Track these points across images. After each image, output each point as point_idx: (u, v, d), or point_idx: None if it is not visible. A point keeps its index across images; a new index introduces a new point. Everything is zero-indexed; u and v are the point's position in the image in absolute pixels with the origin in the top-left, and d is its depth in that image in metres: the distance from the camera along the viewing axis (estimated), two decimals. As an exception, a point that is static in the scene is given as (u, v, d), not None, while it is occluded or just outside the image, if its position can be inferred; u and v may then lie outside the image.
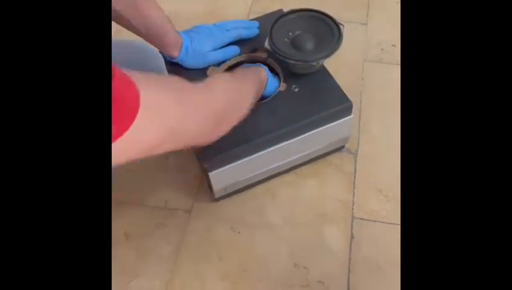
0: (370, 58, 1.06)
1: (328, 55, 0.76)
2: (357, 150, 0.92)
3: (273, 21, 0.80)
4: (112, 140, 0.37)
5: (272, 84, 0.77)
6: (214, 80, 0.63)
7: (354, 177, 0.88)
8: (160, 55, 0.80)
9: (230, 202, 0.85)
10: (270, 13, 0.91)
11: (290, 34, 0.81)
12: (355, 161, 0.90)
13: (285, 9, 0.83)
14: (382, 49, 1.07)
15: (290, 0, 1.14)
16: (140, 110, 0.39)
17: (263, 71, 0.75)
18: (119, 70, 0.38)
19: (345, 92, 0.79)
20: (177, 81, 0.51)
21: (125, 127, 0.38)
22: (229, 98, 0.60)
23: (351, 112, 0.80)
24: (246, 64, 0.83)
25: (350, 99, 0.79)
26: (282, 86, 0.81)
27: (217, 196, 0.83)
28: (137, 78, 0.40)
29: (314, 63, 0.76)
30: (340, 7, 1.15)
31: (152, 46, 0.78)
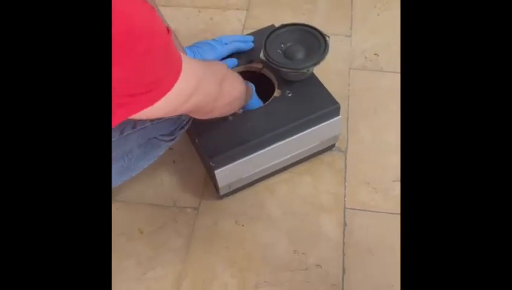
0: (355, 66, 1.16)
1: (316, 63, 0.86)
2: (346, 149, 1.01)
3: (267, 34, 0.91)
4: (168, 89, 0.50)
5: (256, 100, 0.89)
6: (212, 61, 0.77)
7: (345, 172, 0.98)
8: None
9: (234, 199, 0.94)
10: (263, 28, 1.01)
11: (282, 45, 0.91)
12: (345, 159, 1.00)
13: (277, 25, 0.94)
14: (366, 57, 1.18)
15: (280, 17, 1.25)
16: (183, 66, 0.52)
17: (251, 88, 0.87)
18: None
19: (333, 96, 0.89)
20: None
21: (176, 78, 0.51)
22: (225, 72, 0.72)
23: (338, 113, 0.90)
24: None
25: (338, 102, 0.89)
26: (277, 92, 0.90)
27: (221, 193, 0.92)
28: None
29: (305, 70, 0.86)
30: (326, 22, 1.25)
31: None
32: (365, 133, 1.03)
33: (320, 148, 0.97)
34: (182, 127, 0.81)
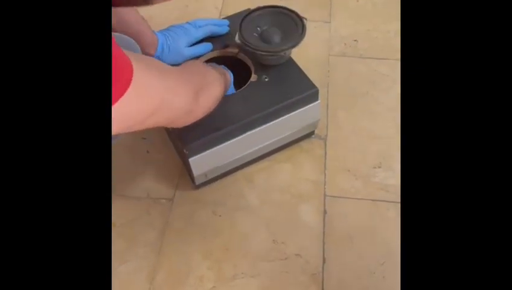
0: (334, 53, 1.14)
1: (293, 46, 0.83)
2: (326, 136, 0.98)
3: (242, 17, 0.87)
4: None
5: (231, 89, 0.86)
6: (188, 63, 0.70)
7: (325, 160, 0.95)
8: (137, 45, 0.83)
9: (210, 189, 0.91)
10: (239, 12, 0.98)
11: (259, 28, 0.88)
12: (325, 146, 0.97)
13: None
14: (345, 44, 1.15)
15: (258, 4, 1.22)
16: (132, 83, 0.44)
17: (227, 73, 0.83)
18: (115, 44, 0.42)
19: (312, 81, 0.87)
20: (159, 62, 0.58)
21: (119, 95, 0.43)
22: (203, 78, 0.66)
23: (317, 98, 0.87)
24: (214, 65, 0.88)
25: (316, 86, 0.86)
26: (254, 77, 0.87)
27: (197, 182, 0.88)
28: (129, 54, 0.45)
29: (282, 53, 0.83)
30: (304, 7, 1.22)
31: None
32: (345, 120, 1.01)
33: (299, 135, 0.94)
34: None
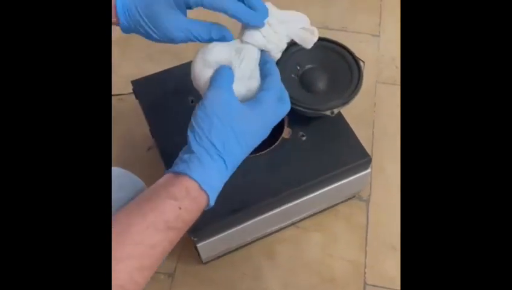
0: (383, 79, 0.91)
1: (345, 102, 0.62)
2: (369, 197, 0.78)
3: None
4: None
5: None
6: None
7: (366, 231, 0.76)
8: (138, 179, 0.55)
9: (220, 264, 0.72)
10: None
11: (299, 68, 0.66)
12: (367, 211, 0.77)
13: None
14: (397, 67, 0.93)
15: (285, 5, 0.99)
16: None
17: (187, 180, 0.43)
18: None
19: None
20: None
21: None
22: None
23: (368, 167, 0.67)
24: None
25: (368, 152, 0.65)
26: (287, 133, 0.66)
27: (205, 260, 0.69)
28: None
29: (328, 112, 0.62)
30: (346, 15, 0.99)
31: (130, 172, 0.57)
32: (394, 176, 0.80)
33: (337, 202, 0.74)
34: None
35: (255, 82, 0.47)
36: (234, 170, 0.45)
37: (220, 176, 0.44)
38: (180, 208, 0.42)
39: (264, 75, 0.47)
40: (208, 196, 0.43)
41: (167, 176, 0.43)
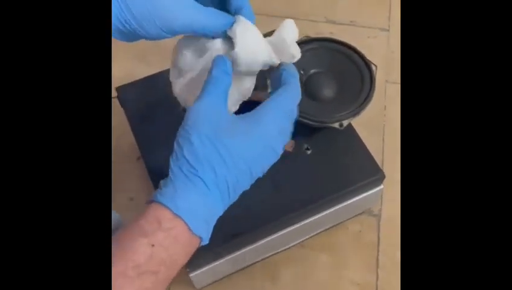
0: (394, 78, 0.84)
1: (356, 113, 0.54)
2: (380, 211, 0.71)
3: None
4: None
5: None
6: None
7: (378, 249, 0.69)
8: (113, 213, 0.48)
9: (218, 288, 0.66)
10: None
11: (303, 72, 0.58)
12: (379, 227, 0.70)
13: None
14: (409, 65, 0.85)
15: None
16: None
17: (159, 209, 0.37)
18: None
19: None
20: None
21: None
22: None
23: (380, 183, 0.60)
24: None
25: (380, 166, 0.58)
26: (290, 146, 0.59)
27: (198, 287, 0.63)
28: None
29: (336, 125, 0.55)
30: (352, 7, 0.91)
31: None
32: (407, 187, 0.73)
33: (346, 219, 0.67)
34: None
35: (247, 82, 0.41)
36: (230, 193, 0.38)
37: (204, 200, 0.36)
38: (152, 245, 0.35)
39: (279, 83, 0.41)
40: (186, 224, 0.36)
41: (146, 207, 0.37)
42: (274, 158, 0.40)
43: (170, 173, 0.36)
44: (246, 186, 0.40)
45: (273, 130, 0.39)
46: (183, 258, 0.37)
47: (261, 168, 0.40)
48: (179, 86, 0.43)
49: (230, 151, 0.37)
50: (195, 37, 0.42)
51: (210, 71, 0.40)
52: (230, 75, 0.40)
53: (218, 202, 0.37)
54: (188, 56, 0.42)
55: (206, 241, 0.38)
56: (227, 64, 0.40)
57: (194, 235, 0.36)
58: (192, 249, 0.38)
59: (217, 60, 0.40)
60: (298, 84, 0.42)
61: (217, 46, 0.41)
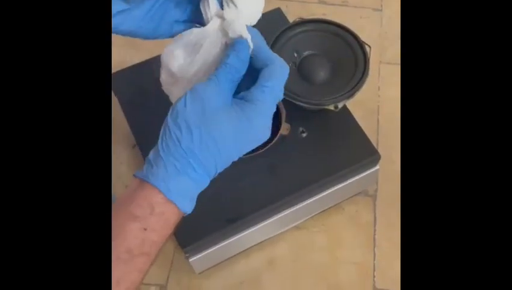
0: (387, 58, 0.84)
1: (351, 95, 0.54)
2: (376, 191, 0.72)
3: (275, 35, 0.57)
4: None
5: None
6: None
7: (374, 229, 0.69)
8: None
9: (216, 273, 0.66)
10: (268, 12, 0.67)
11: (296, 54, 0.58)
12: (374, 207, 0.71)
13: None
14: (402, 45, 0.85)
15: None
16: None
17: (152, 193, 0.37)
18: None
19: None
20: None
21: None
22: None
23: (377, 164, 0.60)
24: None
25: (375, 146, 0.58)
26: (285, 129, 0.59)
27: (198, 271, 0.63)
28: None
29: (331, 107, 0.54)
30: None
31: None
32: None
33: (342, 200, 0.68)
34: None
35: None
36: (218, 169, 0.37)
37: (193, 180, 0.36)
38: (145, 229, 0.35)
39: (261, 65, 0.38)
40: (177, 207, 0.36)
41: (133, 184, 0.37)
42: (266, 137, 0.39)
43: (161, 151, 0.36)
44: (235, 159, 0.39)
45: (266, 119, 0.38)
46: (171, 233, 0.37)
47: (250, 147, 0.39)
48: (175, 95, 0.41)
49: (223, 135, 0.36)
50: (185, 36, 0.40)
51: (226, 55, 0.37)
52: (247, 63, 0.37)
53: (205, 178, 0.37)
54: (181, 57, 0.40)
55: (189, 213, 0.38)
56: (247, 50, 0.37)
57: (181, 212, 0.36)
58: (178, 223, 0.38)
59: (236, 45, 0.37)
60: (283, 62, 0.39)
61: (212, 38, 0.39)
